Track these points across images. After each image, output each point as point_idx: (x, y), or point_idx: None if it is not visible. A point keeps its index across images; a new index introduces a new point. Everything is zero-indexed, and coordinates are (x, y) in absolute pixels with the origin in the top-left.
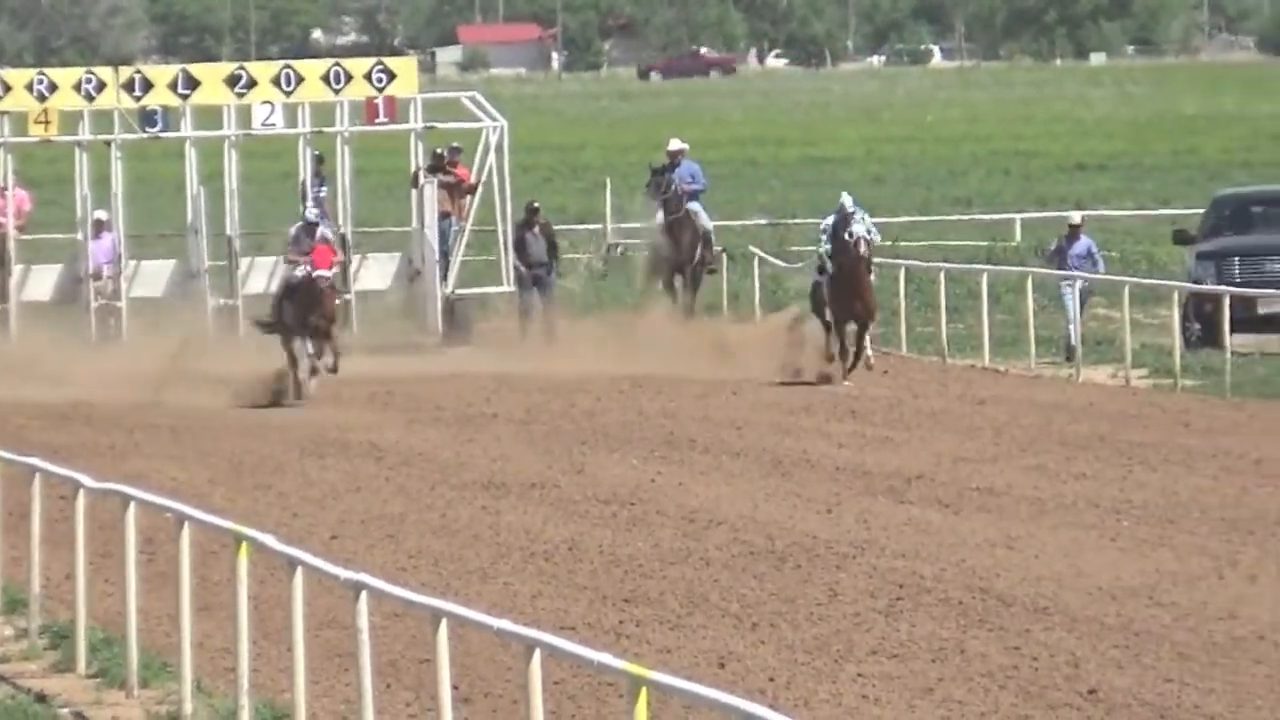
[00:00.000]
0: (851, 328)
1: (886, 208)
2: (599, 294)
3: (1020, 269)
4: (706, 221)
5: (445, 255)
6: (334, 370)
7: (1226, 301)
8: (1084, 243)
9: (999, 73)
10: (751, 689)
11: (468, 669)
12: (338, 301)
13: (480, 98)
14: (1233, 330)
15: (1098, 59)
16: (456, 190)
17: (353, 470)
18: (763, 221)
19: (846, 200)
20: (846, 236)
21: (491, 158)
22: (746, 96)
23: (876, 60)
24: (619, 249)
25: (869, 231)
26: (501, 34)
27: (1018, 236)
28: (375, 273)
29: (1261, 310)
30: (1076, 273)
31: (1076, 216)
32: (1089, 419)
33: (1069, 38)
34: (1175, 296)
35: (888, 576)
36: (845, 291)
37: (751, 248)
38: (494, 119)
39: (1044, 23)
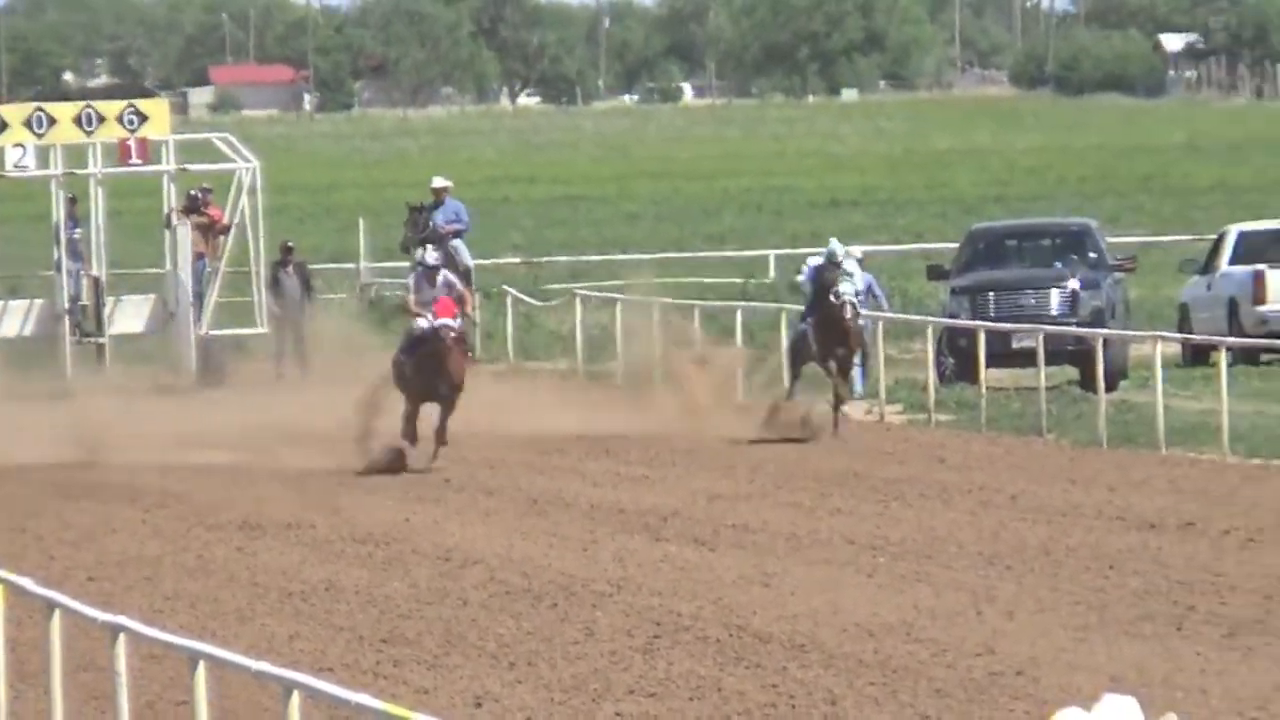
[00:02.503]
0: (833, 370)
1: (640, 245)
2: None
3: (775, 305)
4: (468, 259)
5: (199, 296)
6: (444, 443)
7: (981, 336)
8: (864, 278)
9: (751, 110)
10: None
11: (226, 711)
12: (470, 358)
13: (233, 139)
14: (987, 365)
15: (850, 95)
16: (210, 231)
17: (109, 512)
18: (516, 260)
19: (836, 247)
20: (833, 298)
21: (245, 198)
22: (499, 135)
23: (628, 98)
24: (373, 288)
25: (857, 294)
26: (253, 75)
27: (771, 273)
28: (129, 314)
29: (1015, 345)
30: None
31: (857, 251)
32: (844, 455)
33: (821, 74)
34: (929, 331)
35: (645, 615)
36: (827, 337)
37: (505, 286)
38: (246, 160)
39: (796, 59)
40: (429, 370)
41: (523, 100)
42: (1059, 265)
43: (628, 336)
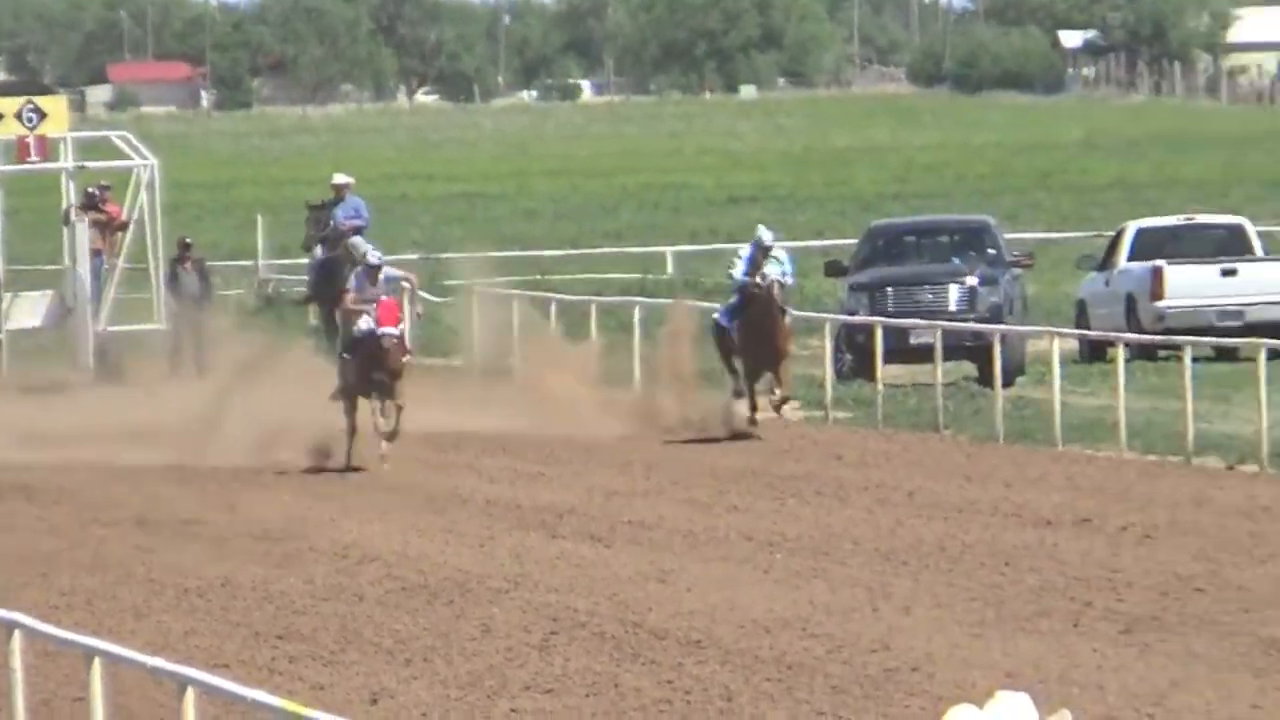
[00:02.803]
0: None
1: (538, 242)
2: (251, 330)
3: (672, 301)
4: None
5: (97, 293)
6: (392, 439)
7: (879, 332)
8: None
9: (649, 107)
10: None
11: (122, 707)
12: (406, 358)
13: (131, 136)
14: (885, 361)
15: (748, 92)
16: (108, 228)
17: (3, 509)
18: (415, 256)
19: (765, 234)
20: (759, 279)
21: (143, 195)
22: (397, 132)
23: (527, 95)
24: (271, 285)
25: (784, 274)
26: (151, 72)
27: (669, 269)
28: (26, 310)
29: (913, 341)
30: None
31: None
32: (741, 452)
33: (719, 71)
34: (827, 328)
35: (541, 611)
36: (754, 336)
37: (404, 284)
38: (145, 157)
39: (694, 56)
40: (368, 365)
41: (421, 97)
42: (957, 262)
43: (485, 331)
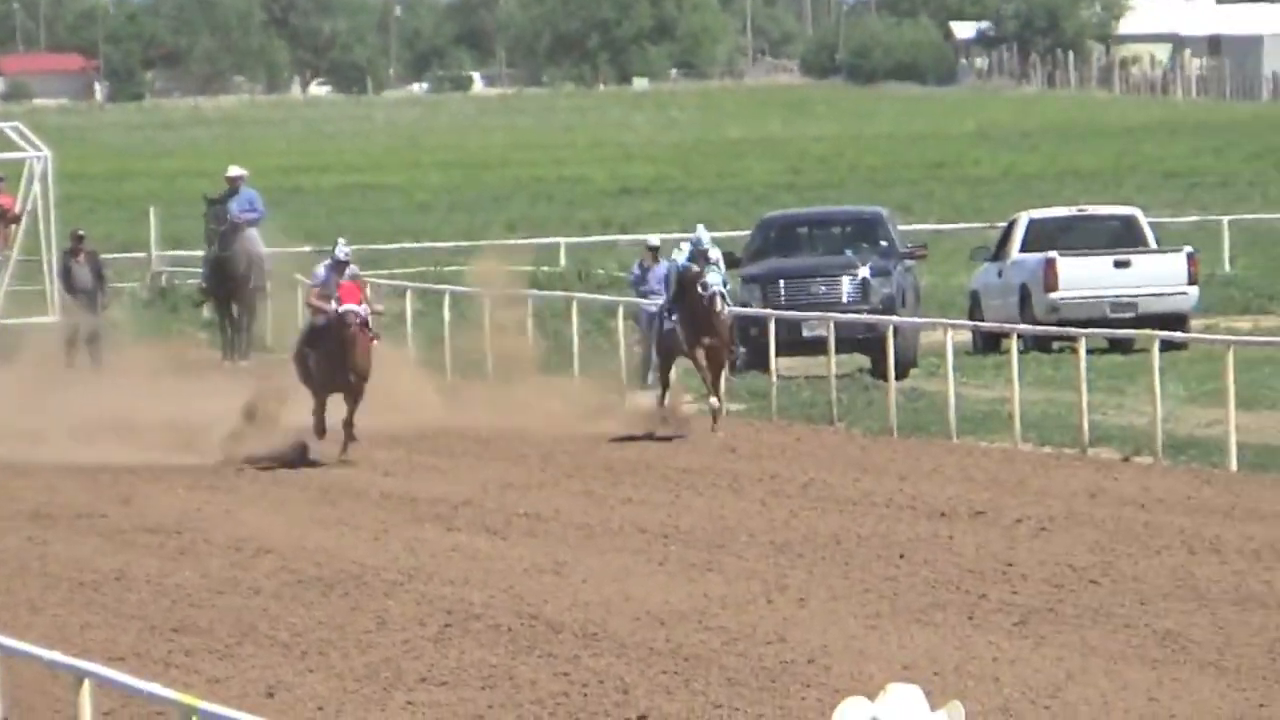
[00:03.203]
0: (703, 363)
1: (431, 233)
2: (145, 323)
3: (565, 294)
4: (262, 249)
5: None
6: (353, 437)
7: (772, 324)
8: (663, 266)
9: (542, 99)
10: (301, 718)
11: (18, 701)
12: (373, 342)
13: (23, 128)
14: (778, 353)
15: (641, 84)
16: (1, 220)
17: None
18: (307, 249)
19: (703, 235)
20: (700, 288)
21: (36, 187)
22: (290, 124)
23: (419, 87)
24: (164, 277)
25: (725, 284)
26: (44, 63)
27: (562, 261)
28: None
29: (806, 333)
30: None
31: (655, 239)
32: (636, 444)
33: (612, 63)
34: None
35: (437, 604)
36: (697, 326)
37: (297, 275)
38: (37, 149)
39: (586, 48)
40: (334, 360)
41: (314, 89)
42: (849, 253)
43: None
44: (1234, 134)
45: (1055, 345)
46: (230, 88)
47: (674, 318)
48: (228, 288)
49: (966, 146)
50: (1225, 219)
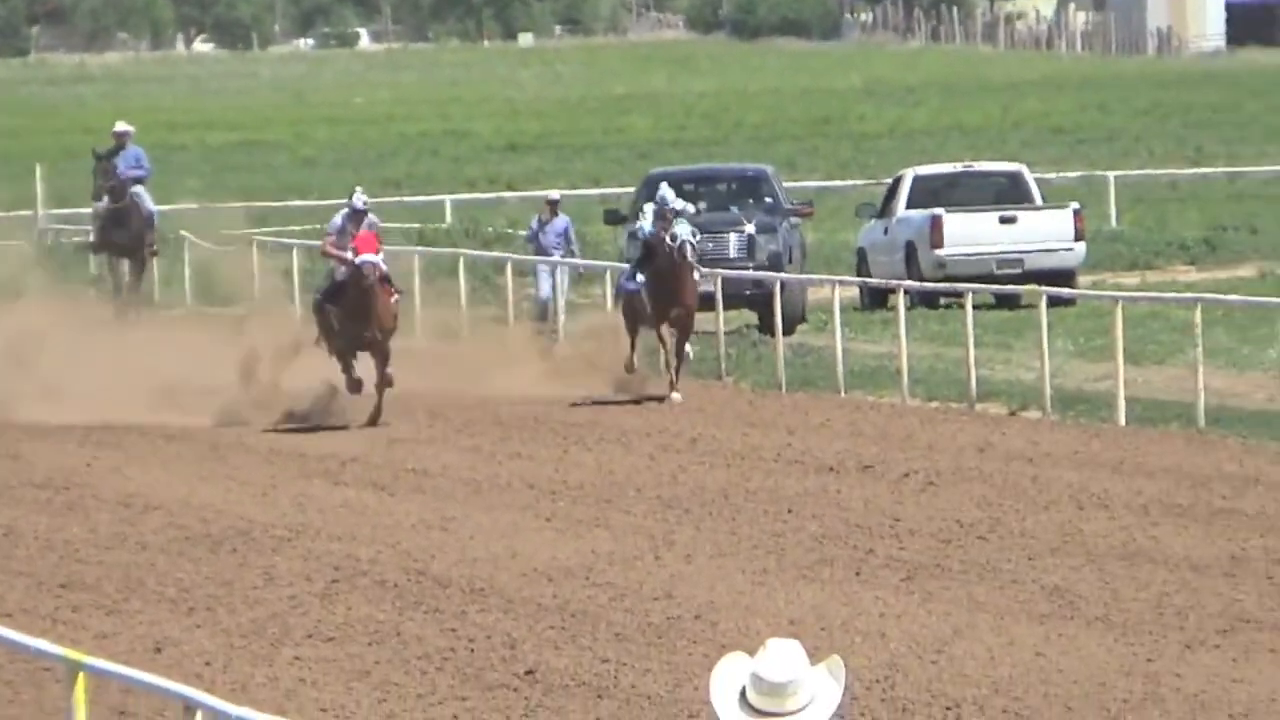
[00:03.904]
0: (667, 333)
1: (318, 190)
2: (33, 281)
3: (452, 250)
4: (151, 205)
5: None
6: (389, 385)
7: None
8: (562, 220)
9: (427, 55)
10: (188, 673)
11: None
12: (394, 298)
13: None
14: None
15: (526, 40)
16: None
17: None
18: (194, 206)
19: (668, 193)
20: (669, 240)
21: None
22: (176, 81)
23: (304, 44)
24: (50, 235)
25: (694, 234)
26: None
27: (448, 218)
28: None
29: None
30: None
31: (555, 194)
32: (525, 401)
33: (497, 19)
34: (607, 276)
35: (324, 559)
36: (664, 294)
37: (183, 232)
38: None
39: (471, 4)
40: (357, 316)
41: (199, 46)
42: (735, 210)
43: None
44: (1119, 89)
45: (942, 301)
46: (115, 44)
47: (639, 279)
48: (118, 243)
49: (852, 102)
50: (1111, 175)
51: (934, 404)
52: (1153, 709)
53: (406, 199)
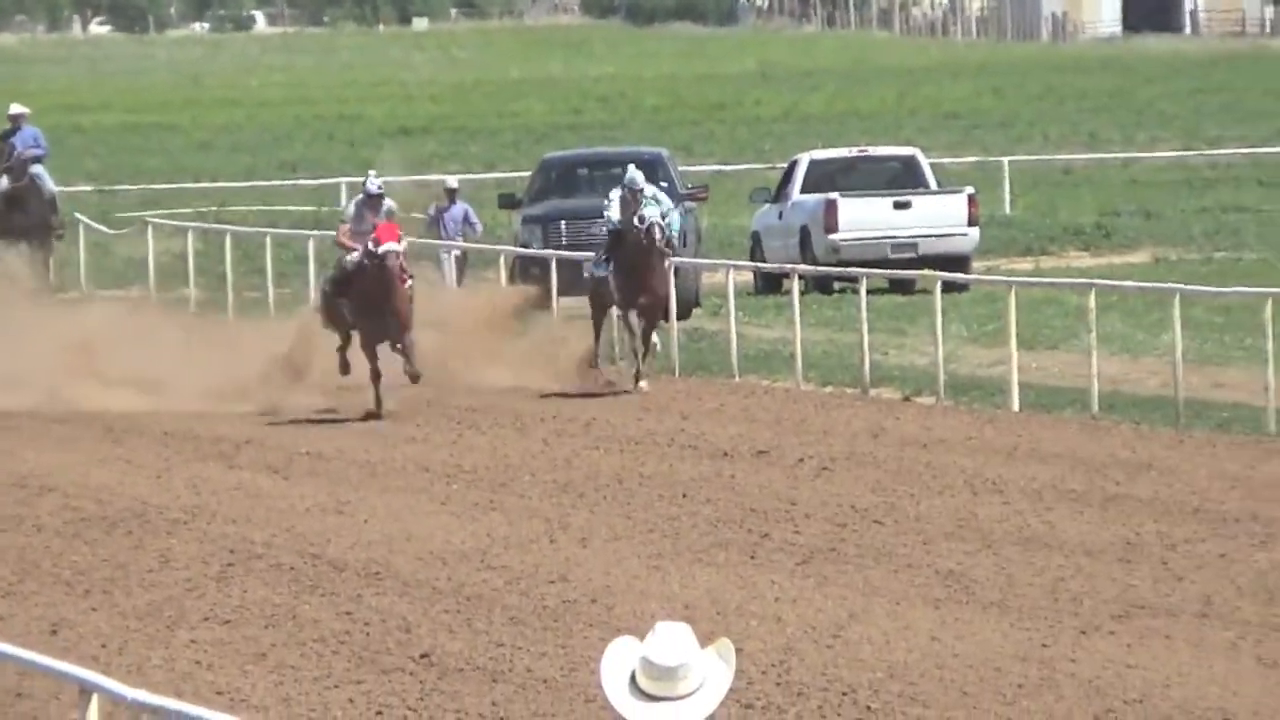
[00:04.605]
0: (635, 321)
1: (212, 173)
2: None
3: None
4: (52, 186)
5: None
6: (416, 378)
7: (554, 265)
8: (460, 207)
9: (323, 38)
10: (85, 655)
11: None
12: (408, 284)
13: None
14: (560, 293)
15: (421, 24)
16: None
17: None
18: (88, 188)
19: (636, 175)
20: (636, 221)
21: None
22: (72, 63)
23: (200, 27)
24: None
25: (664, 216)
26: None
27: (343, 201)
28: None
29: (587, 273)
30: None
31: (453, 180)
32: (420, 384)
33: (392, 3)
34: (502, 260)
35: (219, 542)
36: (630, 281)
37: (78, 215)
38: None
39: None
40: (374, 305)
41: (95, 28)
42: None
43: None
44: (1014, 75)
45: (836, 286)
46: (11, 26)
47: (608, 266)
48: (19, 224)
49: (747, 87)
50: (1006, 160)
51: (828, 389)
52: (1048, 694)
53: (303, 181)
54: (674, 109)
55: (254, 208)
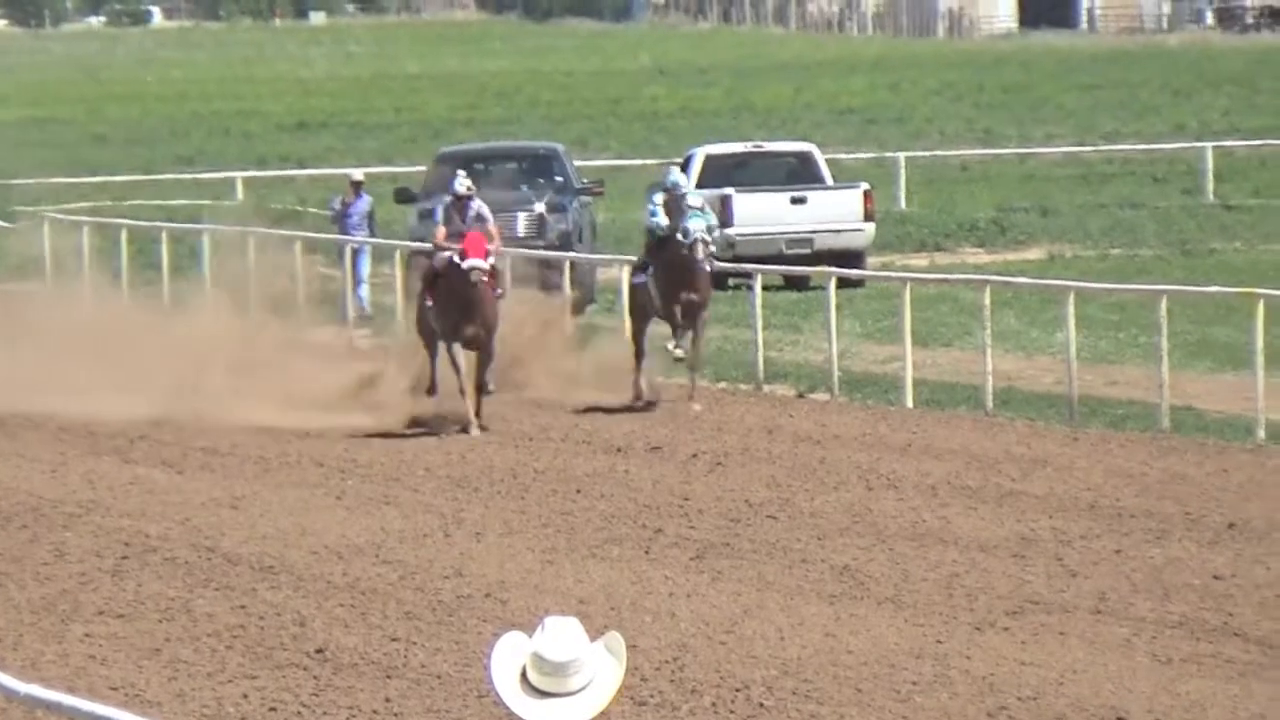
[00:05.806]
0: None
1: (109, 167)
2: None
3: (241, 228)
4: None
5: None
6: (490, 391)
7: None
8: (365, 201)
9: (220, 33)
10: None
11: None
12: (498, 293)
13: None
14: None
15: (318, 18)
16: None
17: None
18: None
19: (679, 178)
20: (680, 236)
21: None
22: None
23: (96, 21)
24: None
25: (709, 229)
26: None
27: (239, 195)
28: None
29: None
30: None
31: (358, 174)
32: (314, 380)
33: None
34: (398, 255)
35: (114, 536)
36: (672, 279)
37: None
38: None
39: None
40: (455, 311)
41: None
42: (525, 189)
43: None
44: (910, 70)
45: (731, 282)
46: None
47: (648, 272)
48: None
49: (643, 82)
50: (902, 155)
51: (722, 385)
52: (941, 691)
53: (199, 175)
54: (570, 104)
55: (150, 202)
